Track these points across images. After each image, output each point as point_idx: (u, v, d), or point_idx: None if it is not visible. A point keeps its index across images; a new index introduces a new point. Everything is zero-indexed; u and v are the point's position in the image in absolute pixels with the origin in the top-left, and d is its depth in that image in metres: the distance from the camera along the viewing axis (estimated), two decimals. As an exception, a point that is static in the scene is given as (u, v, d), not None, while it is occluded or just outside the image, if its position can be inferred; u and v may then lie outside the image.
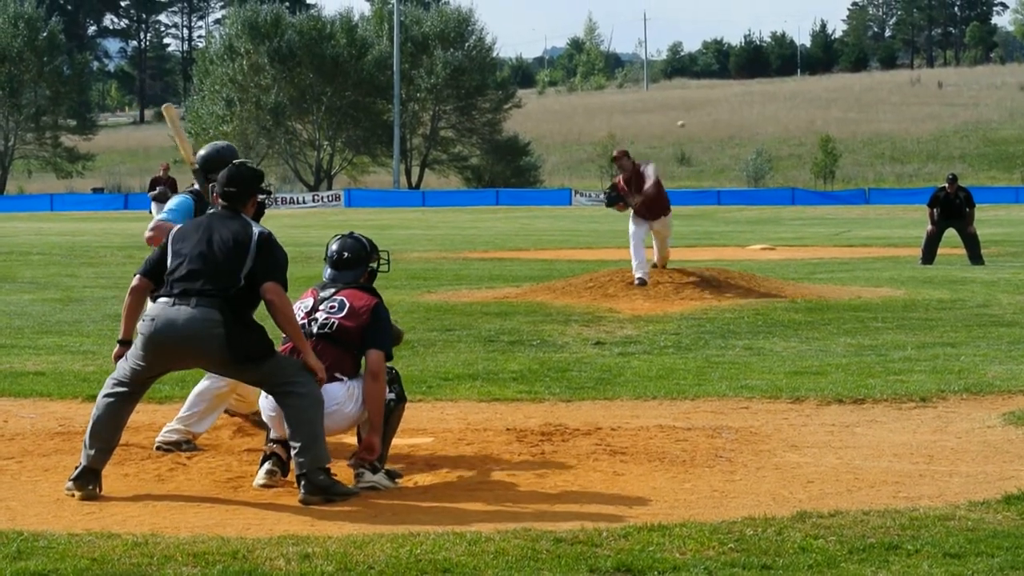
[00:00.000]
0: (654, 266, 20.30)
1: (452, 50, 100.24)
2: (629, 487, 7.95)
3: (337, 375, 7.94)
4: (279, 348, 7.91)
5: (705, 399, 11.11)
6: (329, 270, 8.32)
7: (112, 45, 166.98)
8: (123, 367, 7.79)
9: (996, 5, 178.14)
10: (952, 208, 27.63)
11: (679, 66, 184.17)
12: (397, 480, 8.11)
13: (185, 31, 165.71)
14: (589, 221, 53.92)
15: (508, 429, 9.80)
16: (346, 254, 8.29)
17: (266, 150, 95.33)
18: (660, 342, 14.70)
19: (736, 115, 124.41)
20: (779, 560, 6.14)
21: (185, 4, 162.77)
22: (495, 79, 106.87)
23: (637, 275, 19.27)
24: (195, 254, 7.69)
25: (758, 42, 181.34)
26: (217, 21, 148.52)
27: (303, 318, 8.00)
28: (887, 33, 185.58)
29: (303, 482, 7.60)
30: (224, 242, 7.68)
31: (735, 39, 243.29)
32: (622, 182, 19.80)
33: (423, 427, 9.91)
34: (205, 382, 9.12)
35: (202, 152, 9.12)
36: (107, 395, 7.80)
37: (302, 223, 53.09)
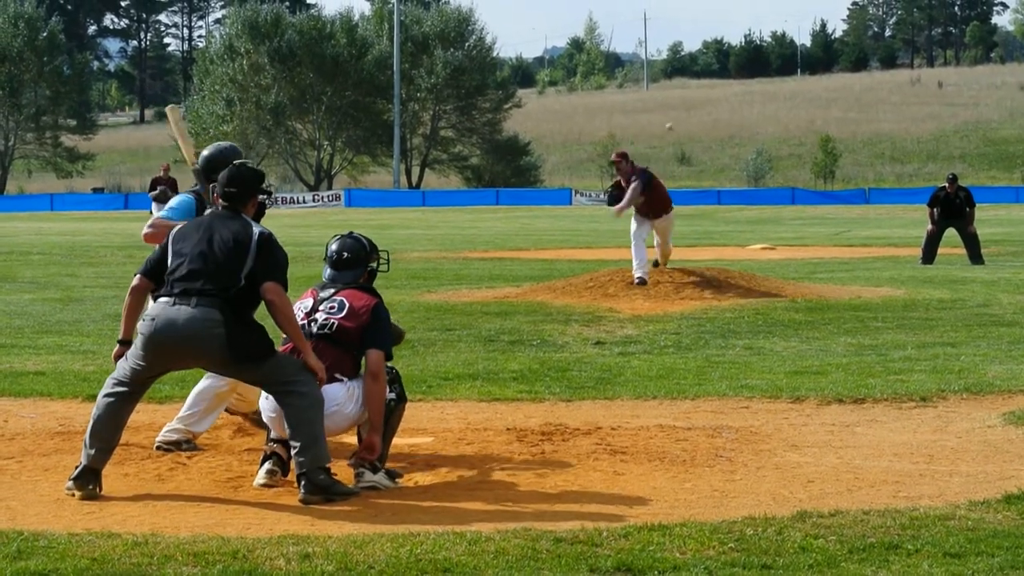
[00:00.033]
0: (655, 263, 20.32)
1: (452, 50, 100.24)
2: (629, 487, 7.95)
3: (337, 376, 7.94)
4: (279, 348, 7.91)
5: (705, 399, 11.11)
6: (329, 270, 8.32)
7: (112, 45, 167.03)
8: (123, 367, 7.79)
9: (996, 5, 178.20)
10: (952, 208, 27.63)
11: (679, 66, 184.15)
12: (397, 480, 8.11)
13: (185, 31, 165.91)
14: (589, 221, 53.92)
15: (508, 429, 9.80)
16: (346, 254, 8.29)
17: (266, 150, 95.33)
18: (660, 342, 14.70)
19: (736, 115, 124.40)
20: (779, 560, 6.14)
21: (185, 4, 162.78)
22: (495, 79, 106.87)
23: (637, 275, 19.27)
24: (195, 254, 7.69)
25: (758, 42, 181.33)
26: (217, 21, 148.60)
27: (303, 319, 8.00)
28: (887, 33, 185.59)
29: (303, 481, 7.61)
30: (224, 242, 7.68)
31: (735, 39, 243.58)
32: (623, 182, 19.82)
33: (423, 427, 9.91)
34: (205, 381, 9.12)
35: (205, 153, 9.11)
36: (107, 395, 7.80)
37: (302, 223, 53.10)
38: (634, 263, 19.38)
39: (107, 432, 7.76)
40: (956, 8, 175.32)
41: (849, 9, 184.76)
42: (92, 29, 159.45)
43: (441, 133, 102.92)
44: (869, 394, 11.08)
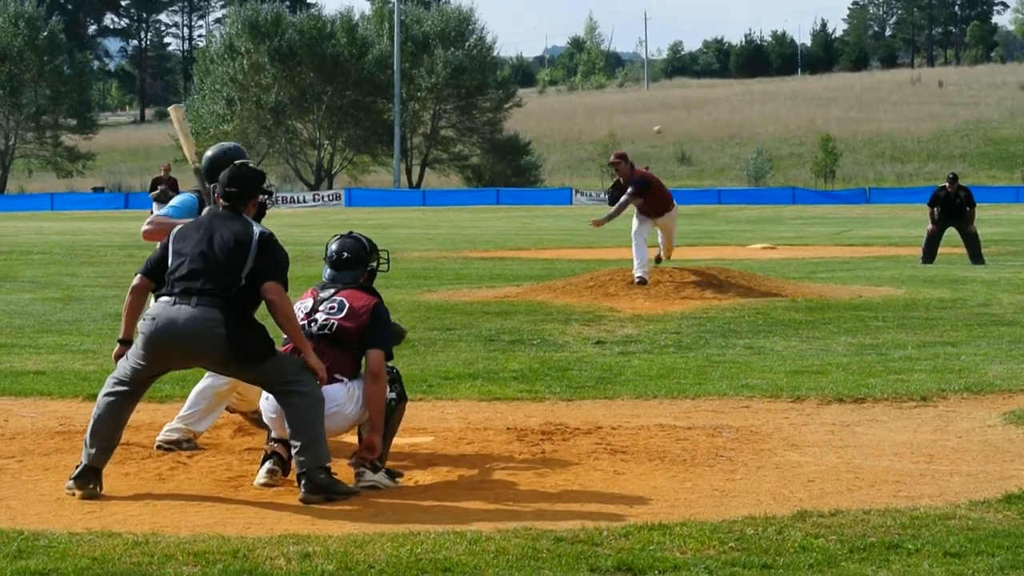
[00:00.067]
0: (657, 259, 20.35)
1: (452, 49, 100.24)
2: (630, 486, 7.95)
3: (337, 376, 7.94)
4: (280, 348, 7.91)
5: (706, 398, 11.11)
6: (329, 270, 8.32)
7: (112, 44, 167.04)
8: (124, 366, 7.80)
9: (996, 4, 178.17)
10: (953, 207, 27.63)
11: (679, 65, 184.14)
12: (397, 479, 8.11)
13: (185, 30, 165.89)
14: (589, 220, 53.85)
15: (509, 428, 9.80)
16: (345, 254, 8.29)
17: (267, 149, 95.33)
18: (661, 341, 14.70)
19: (737, 114, 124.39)
20: (780, 559, 6.14)
21: (185, 3, 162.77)
22: (495, 78, 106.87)
23: (637, 274, 19.27)
24: (196, 253, 7.70)
25: (759, 41, 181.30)
26: (217, 20, 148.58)
27: (303, 319, 8.00)
28: (887, 32, 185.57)
29: (303, 481, 7.61)
30: (225, 242, 7.69)
31: (735, 38, 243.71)
32: (623, 182, 19.84)
33: (424, 426, 9.91)
34: (206, 381, 9.12)
35: (209, 153, 9.09)
36: (108, 394, 7.81)
37: (302, 222, 53.10)
38: (635, 262, 19.39)
39: (108, 431, 7.76)
40: (956, 8, 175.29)
41: (849, 9, 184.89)
42: (92, 28, 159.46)
43: (441, 132, 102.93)
44: (869, 394, 11.08)
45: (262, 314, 7.78)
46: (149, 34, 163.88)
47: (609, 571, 6.01)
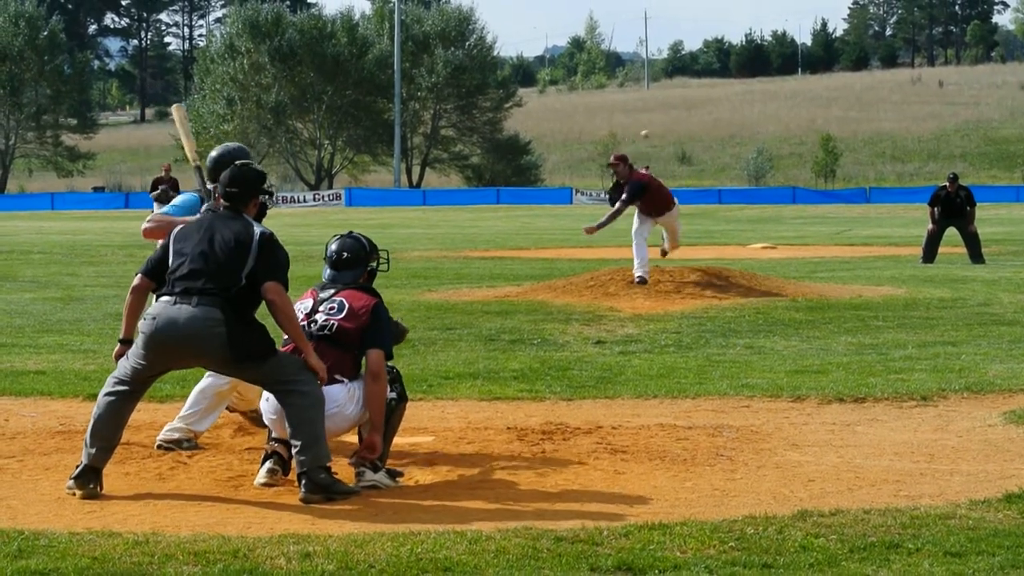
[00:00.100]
0: (663, 252, 20.38)
1: (453, 49, 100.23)
2: (630, 486, 7.95)
3: (337, 377, 7.94)
4: (281, 349, 7.91)
5: (706, 398, 11.11)
6: (328, 270, 8.32)
7: (113, 44, 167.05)
8: (124, 366, 7.80)
9: (997, 4, 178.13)
10: (953, 207, 27.64)
11: (680, 65, 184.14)
12: (398, 479, 8.11)
13: (186, 30, 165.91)
14: (590, 220, 53.74)
15: (509, 428, 9.80)
16: (345, 254, 8.29)
17: (267, 149, 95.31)
18: (661, 341, 14.70)
19: (737, 114, 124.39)
20: (780, 559, 6.14)
21: (186, 3, 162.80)
22: (496, 78, 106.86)
23: (638, 274, 19.27)
24: (196, 253, 7.70)
25: (759, 41, 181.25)
26: (218, 20, 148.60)
27: (303, 320, 7.99)
28: (888, 32, 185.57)
29: (304, 481, 7.61)
30: (226, 242, 7.69)
31: (736, 38, 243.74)
32: (622, 183, 19.86)
33: (424, 426, 9.91)
34: (206, 380, 9.12)
35: (213, 153, 9.05)
36: (108, 394, 7.81)
37: (303, 222, 53.11)
38: (635, 262, 19.39)
39: (108, 431, 7.77)
40: (957, 7, 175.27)
41: (850, 8, 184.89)
42: (93, 28, 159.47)
43: (442, 132, 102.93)
44: (870, 393, 11.08)
45: (263, 314, 7.78)
46: (149, 34, 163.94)
47: (609, 571, 6.00)
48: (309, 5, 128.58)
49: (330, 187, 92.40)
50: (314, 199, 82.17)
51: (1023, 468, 8.33)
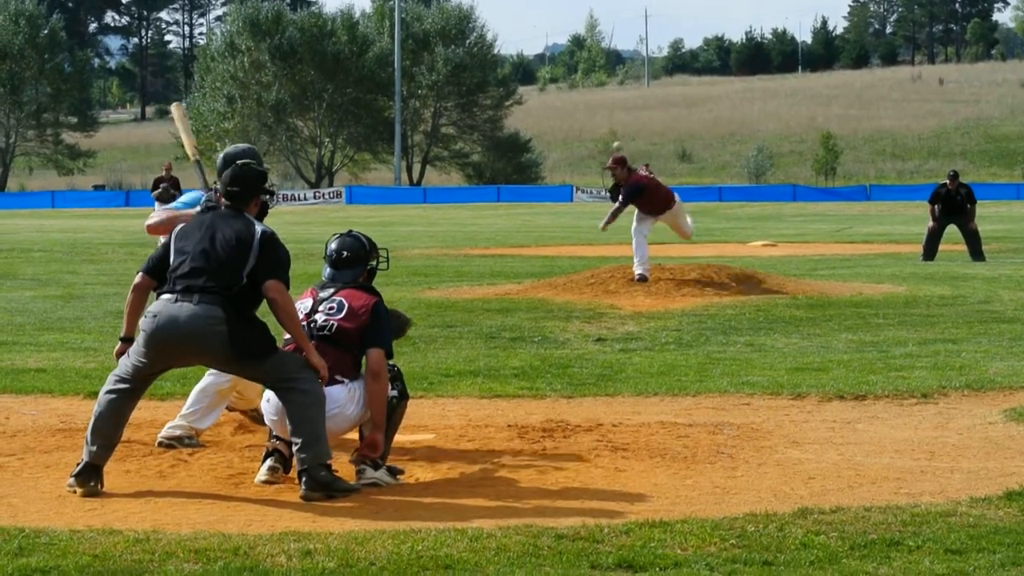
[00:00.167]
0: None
1: (453, 47, 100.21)
2: (630, 483, 7.95)
3: (338, 377, 7.94)
4: (283, 348, 7.91)
5: (706, 395, 11.12)
6: (328, 269, 8.31)
7: (113, 42, 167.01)
8: (125, 364, 7.80)
9: (997, 2, 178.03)
10: (953, 204, 27.63)
11: (680, 63, 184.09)
12: (398, 476, 8.11)
13: (186, 28, 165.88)
14: (590, 217, 53.84)
15: (509, 425, 9.80)
16: (345, 253, 8.29)
17: (267, 147, 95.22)
18: (661, 338, 14.71)
19: (737, 112, 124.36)
20: (780, 556, 6.14)
21: (186, 1, 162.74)
22: (496, 76, 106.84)
23: (638, 272, 19.28)
24: (198, 251, 7.71)
25: (759, 39, 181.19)
26: (218, 18, 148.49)
27: (302, 319, 7.99)
28: (888, 30, 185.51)
29: (304, 478, 7.61)
30: (227, 240, 7.70)
31: (736, 36, 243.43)
32: (620, 186, 19.91)
33: (424, 423, 9.91)
34: (207, 379, 9.12)
35: (223, 154, 9.05)
36: (109, 391, 7.81)
37: (303, 220, 53.11)
38: (635, 260, 19.40)
39: (109, 429, 7.77)
40: (957, 5, 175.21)
41: (850, 6, 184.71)
42: (93, 26, 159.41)
43: (442, 130, 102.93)
44: (870, 391, 11.08)
45: (264, 311, 7.79)
46: (150, 32, 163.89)
47: (610, 568, 6.01)
48: (309, 3, 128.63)
49: (331, 185, 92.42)
50: (315, 197, 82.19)
51: (1023, 466, 8.33)
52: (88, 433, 7.79)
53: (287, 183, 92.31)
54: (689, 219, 20.88)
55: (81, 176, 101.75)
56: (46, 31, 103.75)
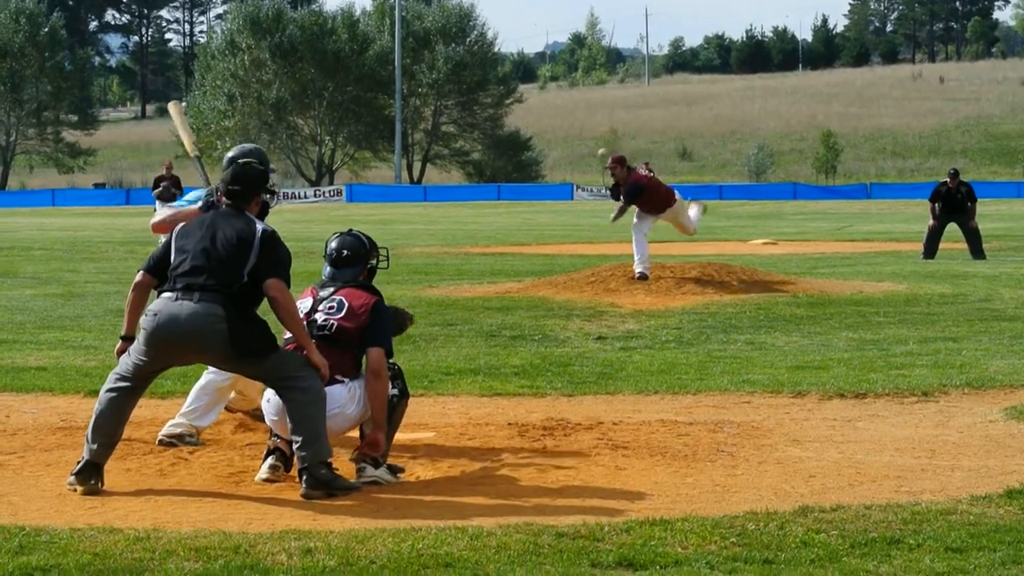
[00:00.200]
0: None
1: (454, 45, 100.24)
2: (631, 481, 7.95)
3: (338, 377, 7.93)
4: (283, 346, 7.91)
5: (707, 394, 11.12)
6: (328, 268, 8.31)
7: (113, 40, 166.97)
8: (126, 362, 7.81)
9: (997, 0, 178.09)
10: (954, 203, 27.63)
11: (680, 61, 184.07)
12: (399, 475, 8.11)
13: (187, 26, 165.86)
14: (591, 216, 53.88)
15: (510, 424, 9.80)
16: (345, 252, 8.28)
17: (268, 145, 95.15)
18: (662, 337, 14.71)
19: (737, 110, 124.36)
20: (781, 554, 6.14)
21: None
22: (496, 74, 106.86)
23: (638, 270, 19.29)
24: (198, 250, 7.71)
25: (759, 37, 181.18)
26: (219, 16, 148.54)
27: (302, 319, 7.99)
28: (888, 28, 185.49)
29: (305, 476, 7.61)
30: (228, 239, 7.70)
31: (736, 34, 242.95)
32: (620, 186, 19.93)
33: (425, 422, 9.91)
34: (207, 377, 9.12)
35: (229, 154, 9.02)
36: (110, 390, 7.81)
37: (304, 218, 53.12)
38: (635, 258, 19.40)
39: (109, 427, 7.77)
40: (957, 3, 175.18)
41: (850, 4, 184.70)
42: (93, 25, 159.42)
43: (442, 128, 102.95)
44: (871, 389, 11.08)
45: (264, 310, 7.79)
46: (150, 30, 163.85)
47: (610, 566, 6.01)
48: (310, 1, 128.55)
49: (331, 183, 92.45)
50: (315, 195, 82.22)
51: (1023, 464, 8.34)
52: (89, 431, 7.79)
53: (287, 181, 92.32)
54: (694, 212, 20.82)
55: (81, 174, 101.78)
56: (46, 29, 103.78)
